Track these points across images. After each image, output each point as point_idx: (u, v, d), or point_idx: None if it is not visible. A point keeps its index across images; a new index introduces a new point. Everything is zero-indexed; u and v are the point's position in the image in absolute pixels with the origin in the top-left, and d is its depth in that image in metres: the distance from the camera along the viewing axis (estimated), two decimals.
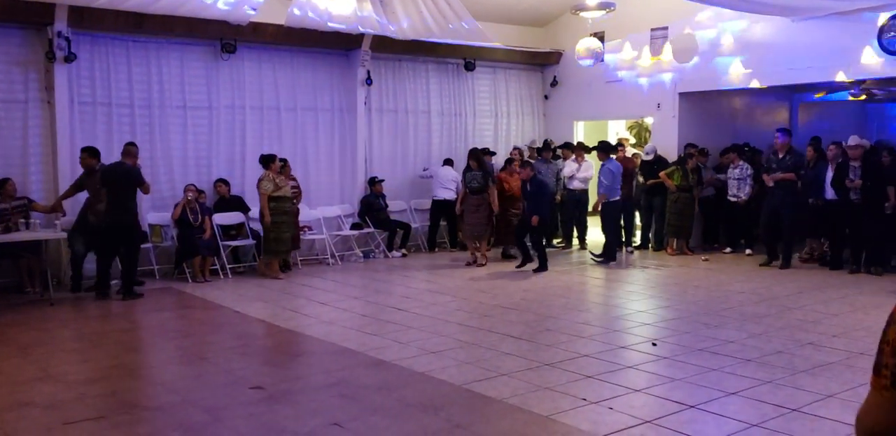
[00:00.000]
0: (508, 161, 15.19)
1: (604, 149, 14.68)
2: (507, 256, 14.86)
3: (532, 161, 14.67)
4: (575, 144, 16.63)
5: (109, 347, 8.89)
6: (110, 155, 12.53)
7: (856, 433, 2.05)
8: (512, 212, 14.47)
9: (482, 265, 14.10)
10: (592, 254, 14.86)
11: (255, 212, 13.82)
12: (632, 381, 7.25)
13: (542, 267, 13.50)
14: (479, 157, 14.43)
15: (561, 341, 8.71)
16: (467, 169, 14.56)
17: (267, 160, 13.17)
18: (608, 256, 14.35)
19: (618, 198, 14.31)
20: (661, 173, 14.99)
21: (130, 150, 11.89)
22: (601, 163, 14.48)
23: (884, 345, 2.01)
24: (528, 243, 13.68)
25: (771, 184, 13.35)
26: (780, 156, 13.44)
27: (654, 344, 8.54)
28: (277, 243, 13.15)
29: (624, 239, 15.89)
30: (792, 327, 9.22)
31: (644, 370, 7.62)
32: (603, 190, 14.16)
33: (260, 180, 13.07)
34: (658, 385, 7.09)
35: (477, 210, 14.29)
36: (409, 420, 6.24)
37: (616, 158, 15.15)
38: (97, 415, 6.38)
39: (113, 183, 11.42)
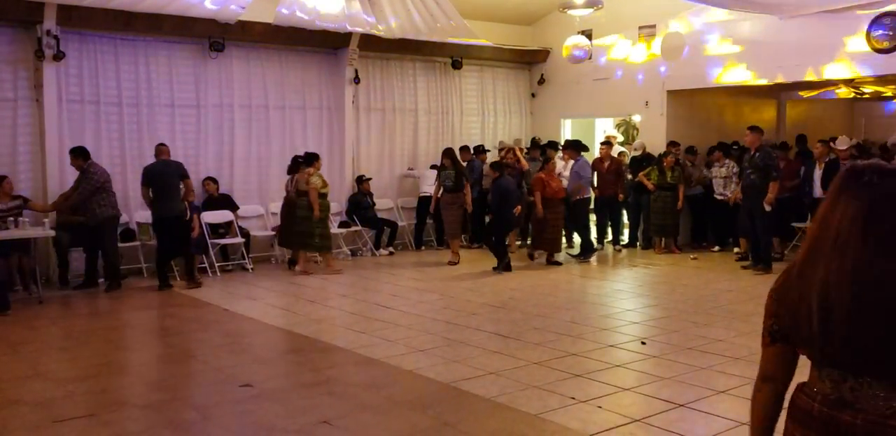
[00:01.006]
0: (546, 161, 14.59)
1: (574, 147, 14.94)
2: (551, 263, 14.12)
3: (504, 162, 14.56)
4: (562, 142, 16.65)
5: (98, 345, 8.90)
6: (99, 153, 12.61)
7: (755, 383, 2.74)
8: (552, 217, 13.84)
9: (454, 264, 14.06)
10: (571, 255, 14.94)
11: (244, 211, 13.85)
12: (621, 379, 7.28)
13: (503, 267, 13.29)
14: (452, 155, 14.40)
15: (549, 339, 8.73)
16: (441, 168, 14.49)
17: (312, 158, 13.37)
18: (587, 250, 14.51)
19: (589, 196, 14.69)
20: (640, 174, 15.05)
21: (164, 149, 12.35)
22: (573, 161, 14.75)
23: (769, 308, 2.65)
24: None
25: (768, 208, 13.01)
26: (752, 153, 13.26)
27: (643, 343, 8.57)
28: (323, 239, 13.45)
29: (611, 237, 15.96)
30: None
31: (633, 369, 7.65)
32: (584, 182, 14.55)
33: (310, 175, 13.20)
34: (647, 384, 7.12)
35: (450, 208, 14.25)
36: (398, 418, 6.27)
37: (601, 156, 15.28)
38: (87, 413, 6.39)
39: (161, 179, 12.02)
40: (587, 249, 14.54)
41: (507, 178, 13.66)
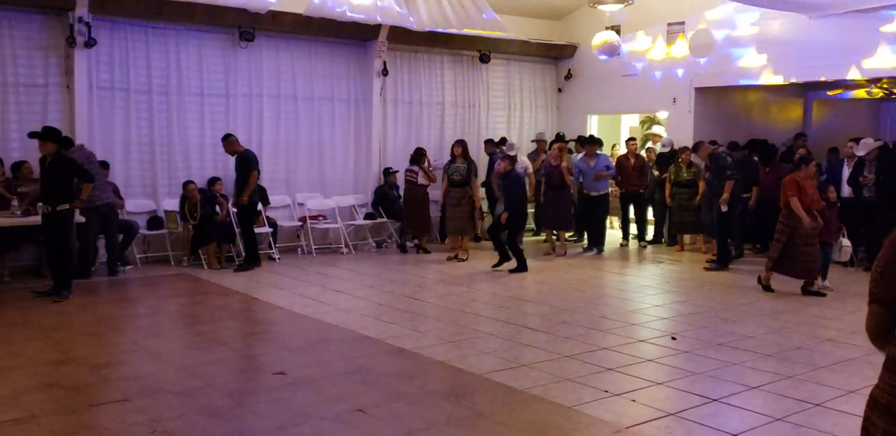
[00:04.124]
0: (802, 160, 11.30)
1: (591, 142, 15.20)
2: (808, 293, 11.00)
3: (512, 154, 14.39)
4: (587, 137, 16.60)
5: (129, 331, 8.98)
6: (128, 140, 12.79)
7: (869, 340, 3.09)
8: (809, 233, 10.78)
9: (463, 260, 13.86)
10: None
11: (271, 201, 13.84)
12: (653, 374, 7.27)
13: (521, 267, 12.83)
14: (465, 146, 14.37)
15: (579, 333, 8.73)
16: (451, 160, 14.46)
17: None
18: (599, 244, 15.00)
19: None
20: (667, 182, 14.94)
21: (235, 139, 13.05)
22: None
23: (874, 274, 3.00)
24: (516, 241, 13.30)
25: (724, 208, 12.86)
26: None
27: (673, 338, 8.55)
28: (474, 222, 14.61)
29: (637, 233, 15.95)
30: (810, 324, 9.23)
31: (664, 364, 7.64)
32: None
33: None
34: (679, 378, 7.10)
35: (458, 204, 14.08)
36: (433, 408, 6.26)
37: (627, 153, 15.30)
38: (121, 398, 6.42)
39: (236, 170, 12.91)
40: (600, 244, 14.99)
41: (515, 171, 13.30)
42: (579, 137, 16.90)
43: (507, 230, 12.95)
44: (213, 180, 13.27)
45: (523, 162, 15.34)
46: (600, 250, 14.88)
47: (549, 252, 14.75)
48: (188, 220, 12.84)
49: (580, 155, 15.73)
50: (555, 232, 15.06)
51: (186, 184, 12.96)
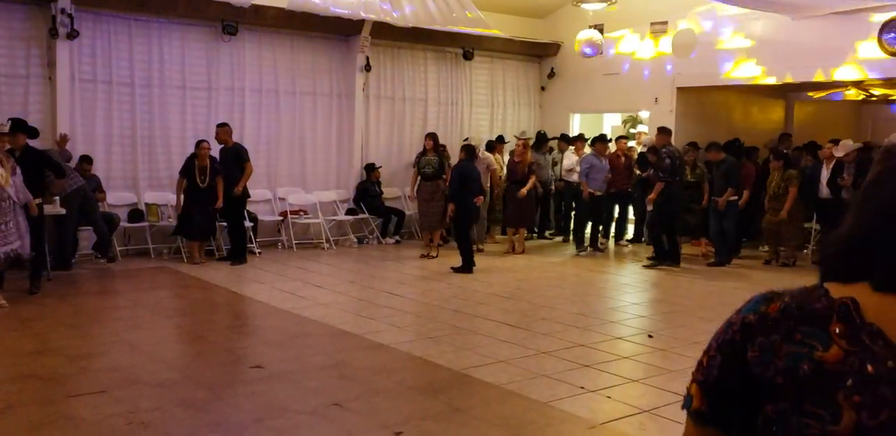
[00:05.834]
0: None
1: (602, 141, 15.05)
2: None
3: (473, 144, 14.38)
4: (575, 135, 16.63)
5: (108, 323, 8.97)
6: (110, 133, 12.77)
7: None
8: None
9: (433, 257, 13.72)
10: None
11: (252, 195, 13.83)
12: (629, 371, 7.33)
13: (465, 267, 12.44)
14: (436, 139, 14.34)
15: (556, 330, 8.78)
16: (422, 153, 14.43)
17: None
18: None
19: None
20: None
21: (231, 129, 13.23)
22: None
23: None
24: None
25: (649, 207, 13.47)
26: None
27: (650, 336, 8.61)
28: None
29: (615, 232, 15.98)
30: None
31: (641, 361, 7.70)
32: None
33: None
34: (655, 376, 7.16)
35: (431, 199, 13.93)
36: (410, 402, 6.32)
37: (618, 151, 15.33)
38: (99, 389, 6.43)
39: (225, 161, 12.97)
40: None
41: (470, 163, 13.12)
42: (562, 135, 16.95)
43: (455, 225, 12.98)
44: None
45: (486, 158, 15.25)
46: (599, 248, 14.95)
47: (510, 251, 14.57)
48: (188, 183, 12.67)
49: (568, 151, 15.84)
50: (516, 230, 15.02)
51: (200, 142, 12.77)
